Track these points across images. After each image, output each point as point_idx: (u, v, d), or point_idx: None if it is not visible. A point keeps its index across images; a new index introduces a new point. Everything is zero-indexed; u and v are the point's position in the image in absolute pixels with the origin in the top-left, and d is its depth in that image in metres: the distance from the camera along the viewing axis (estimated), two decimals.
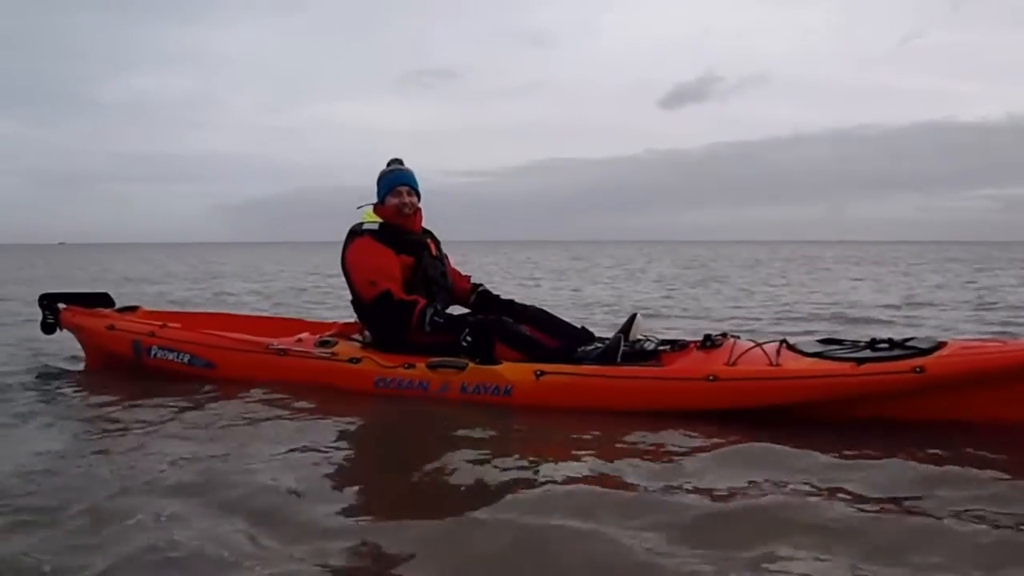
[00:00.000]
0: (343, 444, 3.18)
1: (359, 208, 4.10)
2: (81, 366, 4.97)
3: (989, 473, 2.63)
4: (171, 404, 3.74)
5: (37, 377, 4.65)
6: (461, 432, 3.23)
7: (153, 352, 4.41)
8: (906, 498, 2.43)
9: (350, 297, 4.09)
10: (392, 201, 4.00)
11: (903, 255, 37.03)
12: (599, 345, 3.86)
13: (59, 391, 4.26)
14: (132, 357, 4.49)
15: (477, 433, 3.22)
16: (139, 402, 3.83)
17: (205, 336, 4.32)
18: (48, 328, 4.97)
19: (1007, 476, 2.59)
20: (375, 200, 4.08)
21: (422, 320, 3.76)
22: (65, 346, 5.22)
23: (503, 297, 4.28)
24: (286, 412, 3.60)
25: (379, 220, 3.99)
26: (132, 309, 4.97)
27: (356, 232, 3.99)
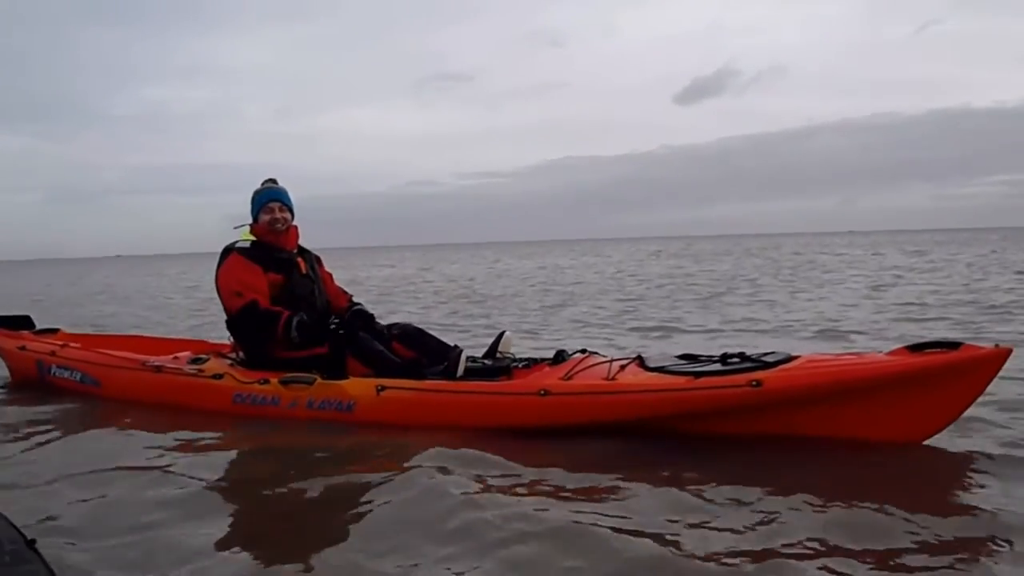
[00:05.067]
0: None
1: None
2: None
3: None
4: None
5: None
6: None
7: (53, 371, 4.52)
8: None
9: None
10: (264, 218, 4.04)
11: None
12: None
13: None
14: (37, 376, 4.62)
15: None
16: None
17: (93, 355, 4.41)
18: None
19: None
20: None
21: (288, 327, 3.76)
22: None
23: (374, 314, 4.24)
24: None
25: (252, 239, 4.03)
26: (52, 331, 5.11)
27: (227, 250, 4.03)
